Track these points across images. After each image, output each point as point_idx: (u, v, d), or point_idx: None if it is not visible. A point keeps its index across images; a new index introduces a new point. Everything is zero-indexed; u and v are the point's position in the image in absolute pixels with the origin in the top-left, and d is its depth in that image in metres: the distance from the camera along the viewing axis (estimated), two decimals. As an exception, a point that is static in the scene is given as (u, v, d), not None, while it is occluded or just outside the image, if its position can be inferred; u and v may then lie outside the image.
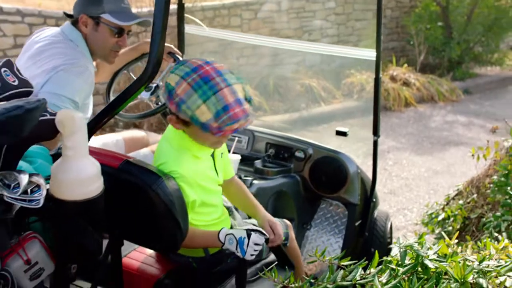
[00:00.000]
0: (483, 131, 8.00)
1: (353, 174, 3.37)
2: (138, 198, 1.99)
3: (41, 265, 1.68)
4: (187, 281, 2.38)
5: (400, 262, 2.17)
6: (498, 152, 3.72)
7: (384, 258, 2.18)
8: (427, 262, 2.11)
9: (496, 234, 3.12)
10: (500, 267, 2.15)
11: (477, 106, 9.86)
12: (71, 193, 1.67)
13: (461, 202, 3.79)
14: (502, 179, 3.49)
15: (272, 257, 2.55)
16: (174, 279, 2.35)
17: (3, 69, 1.82)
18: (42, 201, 1.56)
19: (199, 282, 2.38)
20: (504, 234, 3.10)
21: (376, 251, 2.11)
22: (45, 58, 2.59)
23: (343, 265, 2.02)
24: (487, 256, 2.30)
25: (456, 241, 2.51)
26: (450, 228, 3.70)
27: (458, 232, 3.65)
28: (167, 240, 2.08)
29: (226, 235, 2.14)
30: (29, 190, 1.56)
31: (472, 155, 3.81)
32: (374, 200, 3.46)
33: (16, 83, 1.84)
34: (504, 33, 11.77)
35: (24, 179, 1.54)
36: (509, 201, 3.24)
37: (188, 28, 3.76)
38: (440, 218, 3.91)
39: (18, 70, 1.88)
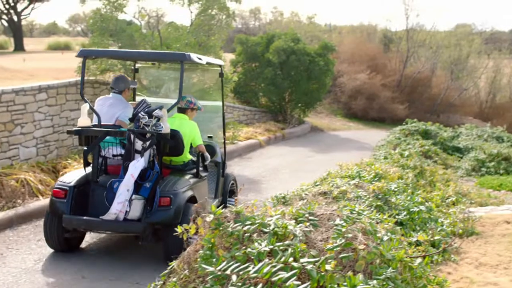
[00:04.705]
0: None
1: (218, 149, 8.02)
2: (170, 140, 6.39)
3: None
4: (180, 174, 6.74)
5: None
6: (202, 228, 4.03)
7: None
8: None
9: (206, 305, 3.35)
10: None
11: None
12: (165, 131, 6.29)
13: (175, 279, 3.99)
14: (208, 252, 3.79)
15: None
16: (172, 175, 6.58)
17: (144, 100, 6.57)
18: (163, 130, 6.27)
19: (185, 173, 6.82)
20: (213, 303, 3.35)
21: None
22: (117, 105, 6.85)
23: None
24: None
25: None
26: (168, 306, 3.86)
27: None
28: (179, 152, 6.68)
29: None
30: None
31: (180, 233, 4.07)
32: (225, 162, 8.19)
33: (150, 104, 6.55)
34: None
35: (163, 125, 6.30)
36: (215, 272, 3.50)
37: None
38: (158, 298, 4.06)
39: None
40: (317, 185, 7.48)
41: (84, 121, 6.61)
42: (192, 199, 6.41)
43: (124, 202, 6.03)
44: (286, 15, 39.17)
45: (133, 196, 6.09)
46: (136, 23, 13.14)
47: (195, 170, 6.92)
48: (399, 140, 16.11)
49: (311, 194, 6.49)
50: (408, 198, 7.20)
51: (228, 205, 7.78)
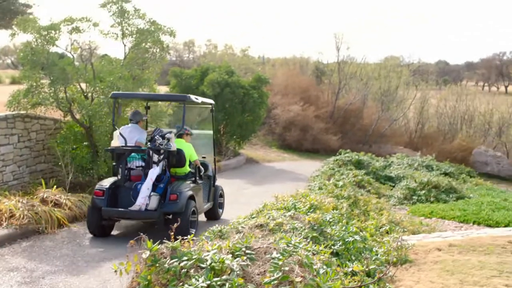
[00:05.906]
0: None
1: (210, 166, 10.92)
2: (176, 155, 9.30)
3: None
4: (183, 180, 9.45)
5: None
6: (138, 264, 3.97)
7: None
8: None
9: None
10: None
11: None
12: (173, 149, 9.15)
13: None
14: (144, 289, 3.73)
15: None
16: (178, 181, 9.28)
17: (158, 128, 9.77)
18: (172, 148, 9.13)
19: (186, 180, 9.51)
20: None
21: None
22: (135, 132, 9.52)
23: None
24: None
25: None
26: None
27: None
28: (182, 164, 9.47)
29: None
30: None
31: (115, 271, 3.99)
32: (216, 176, 11.03)
33: (164, 130, 9.43)
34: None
35: (172, 144, 9.17)
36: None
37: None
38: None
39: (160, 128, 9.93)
40: (253, 218, 7.50)
41: (115, 143, 9.48)
42: (192, 197, 9.11)
43: (145, 197, 8.71)
44: (220, 48, 39.47)
45: (151, 193, 8.77)
46: (69, 56, 12.93)
47: (193, 179, 9.66)
48: (333, 171, 16.39)
49: (247, 227, 6.50)
50: (343, 228, 7.30)
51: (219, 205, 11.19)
